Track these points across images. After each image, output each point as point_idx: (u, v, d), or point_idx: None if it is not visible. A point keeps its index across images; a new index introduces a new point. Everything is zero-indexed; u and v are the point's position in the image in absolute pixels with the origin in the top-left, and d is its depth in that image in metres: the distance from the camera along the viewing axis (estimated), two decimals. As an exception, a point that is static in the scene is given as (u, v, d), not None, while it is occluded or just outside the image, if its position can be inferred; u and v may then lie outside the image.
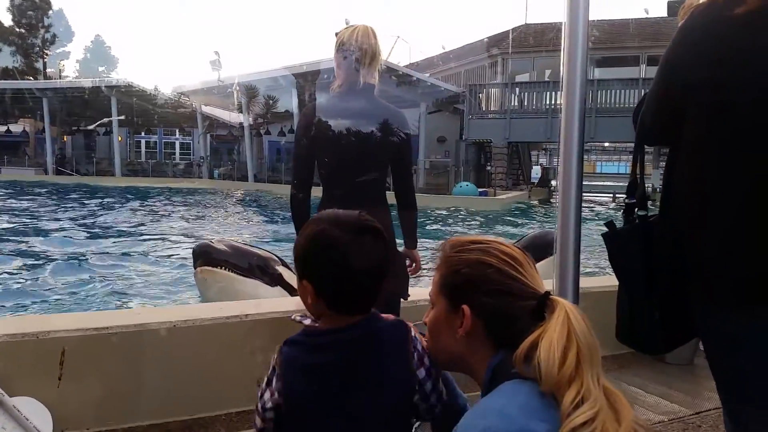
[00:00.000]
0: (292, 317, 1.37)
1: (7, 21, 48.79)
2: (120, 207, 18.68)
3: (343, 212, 1.29)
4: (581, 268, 1.72)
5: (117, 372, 2.73)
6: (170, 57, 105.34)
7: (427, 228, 13.52)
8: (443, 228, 14.39)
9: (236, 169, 33.19)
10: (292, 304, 3.25)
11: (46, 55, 50.49)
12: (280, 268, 4.98)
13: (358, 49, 2.46)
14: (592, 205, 21.79)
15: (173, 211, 17.53)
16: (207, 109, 35.53)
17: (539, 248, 5.22)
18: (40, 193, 24.09)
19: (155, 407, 2.77)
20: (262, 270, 4.80)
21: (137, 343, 2.76)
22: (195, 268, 4.71)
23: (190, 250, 9.48)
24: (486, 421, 0.97)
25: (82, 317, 2.92)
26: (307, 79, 24.40)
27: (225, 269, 4.64)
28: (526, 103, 25.41)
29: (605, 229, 1.59)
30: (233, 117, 35.80)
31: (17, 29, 48.89)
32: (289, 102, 28.09)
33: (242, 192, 27.15)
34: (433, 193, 21.75)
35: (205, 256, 4.66)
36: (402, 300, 2.70)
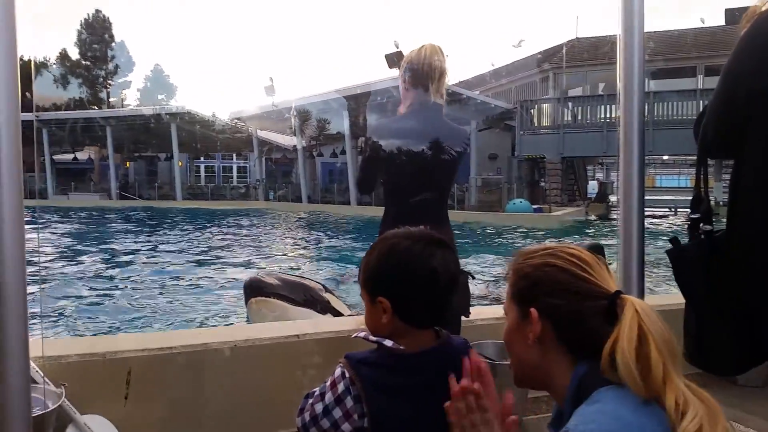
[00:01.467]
0: (356, 335, 1.36)
1: (74, 54, 51.55)
2: (181, 230, 19.25)
3: (412, 228, 1.30)
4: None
5: (180, 391, 2.80)
6: (226, 83, 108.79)
7: (481, 245, 13.33)
8: (500, 244, 14.19)
9: (291, 191, 33.81)
10: (347, 324, 3.27)
11: (110, 85, 53.00)
12: (327, 295, 5.07)
13: (427, 68, 2.47)
14: (651, 219, 21.13)
15: (233, 233, 17.92)
16: (263, 134, 36.46)
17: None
18: (108, 217, 25.15)
19: (216, 426, 2.82)
20: (311, 298, 4.92)
21: (200, 362, 2.83)
22: (247, 301, 4.81)
23: (252, 272, 9.83)
24: (599, 426, 0.94)
25: (147, 337, 3.02)
26: (358, 101, 24.75)
27: (277, 299, 4.73)
28: (579, 117, 24.98)
29: (667, 245, 1.54)
30: (287, 140, 36.61)
31: (83, 62, 51.58)
32: (341, 124, 28.57)
33: (302, 213, 27.64)
34: (486, 210, 21.57)
35: (256, 289, 4.77)
36: (462, 318, 2.68)
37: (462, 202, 24.14)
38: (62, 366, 2.61)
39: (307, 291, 5.01)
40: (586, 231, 18.93)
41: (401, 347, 1.28)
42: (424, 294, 1.24)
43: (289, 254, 13.34)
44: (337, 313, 5.06)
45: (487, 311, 3.13)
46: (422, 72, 2.50)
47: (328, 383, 1.30)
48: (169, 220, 23.42)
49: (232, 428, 2.83)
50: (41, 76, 46.18)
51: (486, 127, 28.21)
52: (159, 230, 18.68)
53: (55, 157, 38.68)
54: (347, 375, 1.27)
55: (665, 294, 5.84)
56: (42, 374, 2.54)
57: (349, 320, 3.64)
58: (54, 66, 49.82)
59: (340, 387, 1.26)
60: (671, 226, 19.71)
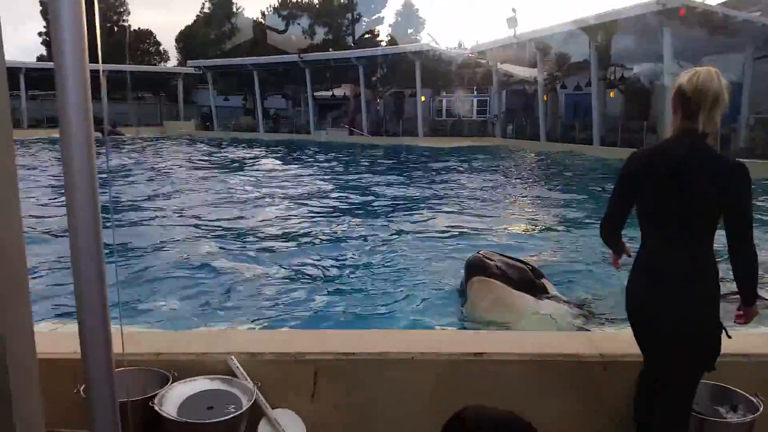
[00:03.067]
0: None
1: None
2: (411, 172, 19.55)
3: (493, 411, 1.12)
4: None
5: (361, 393, 2.93)
6: (469, 16, 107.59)
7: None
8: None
9: (529, 126, 32.73)
10: (535, 345, 3.07)
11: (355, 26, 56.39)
12: (543, 281, 4.82)
13: (696, 93, 2.30)
14: None
15: (458, 179, 17.80)
16: (504, 67, 35.61)
17: None
18: (357, 156, 27.10)
19: (392, 430, 2.91)
20: (529, 283, 4.75)
21: (378, 369, 2.92)
22: (469, 279, 4.81)
23: (466, 228, 9.74)
24: None
25: (334, 339, 3.19)
26: (605, 31, 22.64)
27: (500, 281, 4.66)
28: None
29: None
30: (529, 72, 35.23)
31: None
32: (586, 53, 26.51)
33: (534, 153, 26.69)
34: (757, 158, 18.41)
35: (479, 268, 4.73)
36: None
37: (727, 145, 20.91)
38: (257, 363, 2.89)
39: (526, 274, 4.88)
40: None
41: None
42: None
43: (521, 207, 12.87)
44: (554, 298, 4.88)
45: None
46: (689, 98, 2.34)
47: None
48: (406, 164, 24.08)
49: (407, 437, 2.90)
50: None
51: (764, 55, 23.72)
52: (393, 176, 18.95)
53: (315, 93, 42.68)
54: None
55: None
56: (242, 369, 2.87)
57: (544, 339, 3.44)
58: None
59: None
60: None
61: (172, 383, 2.77)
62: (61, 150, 1.12)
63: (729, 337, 2.40)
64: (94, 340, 1.07)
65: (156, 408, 2.59)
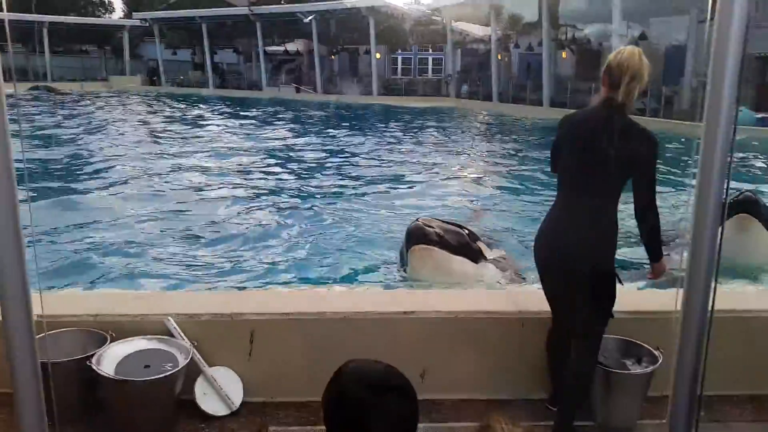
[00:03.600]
0: None
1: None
2: (365, 135, 19.16)
3: (370, 366, 1.26)
4: None
5: (297, 352, 3.07)
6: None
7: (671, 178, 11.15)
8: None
9: (483, 86, 32.85)
10: (462, 303, 3.26)
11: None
12: (479, 243, 5.01)
13: (618, 68, 2.54)
14: None
15: (409, 141, 17.82)
16: (460, 25, 35.39)
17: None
18: (310, 114, 26.68)
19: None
20: (466, 246, 4.91)
21: (312, 327, 3.06)
22: (410, 247, 4.93)
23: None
24: None
25: (270, 300, 3.31)
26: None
27: (439, 248, 4.80)
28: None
29: None
30: (484, 31, 35.13)
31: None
32: (535, 12, 26.62)
33: (485, 113, 26.82)
34: (694, 120, 18.97)
35: (419, 236, 4.85)
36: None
37: (670, 106, 21.54)
38: (194, 323, 2.99)
39: (463, 238, 5.04)
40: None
41: None
42: None
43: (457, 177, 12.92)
44: (491, 263, 5.07)
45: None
46: (613, 73, 2.58)
47: None
48: (361, 121, 23.91)
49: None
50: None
51: (712, 18, 24.28)
52: (348, 136, 18.91)
53: (267, 48, 41.63)
54: None
55: None
56: (179, 330, 2.96)
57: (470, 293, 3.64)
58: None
59: None
60: None
61: (109, 343, 2.85)
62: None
63: (621, 282, 2.66)
64: (13, 303, 1.15)
65: (93, 367, 2.67)
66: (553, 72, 28.06)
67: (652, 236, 2.69)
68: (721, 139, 1.16)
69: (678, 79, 22.24)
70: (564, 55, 31.41)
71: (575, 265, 2.61)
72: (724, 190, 1.21)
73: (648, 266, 2.82)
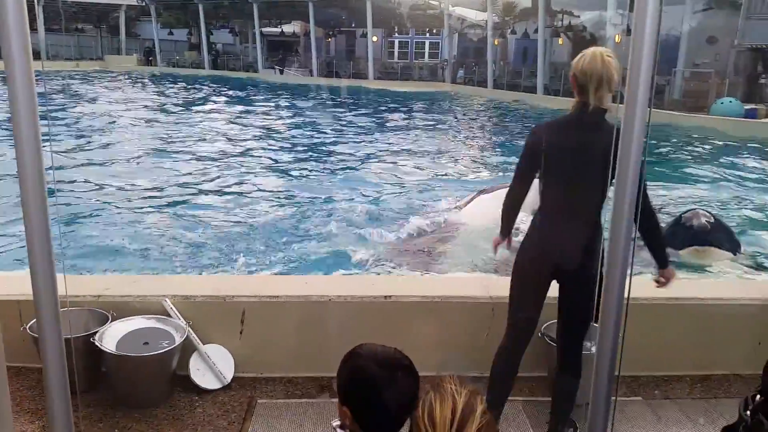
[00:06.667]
0: (333, 424, 1.58)
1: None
2: (361, 121, 19.33)
3: (382, 348, 1.50)
4: None
5: (284, 332, 3.32)
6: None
7: (656, 168, 11.37)
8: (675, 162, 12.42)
9: (479, 71, 32.86)
10: (437, 289, 3.51)
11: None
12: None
13: (582, 75, 2.49)
14: None
15: (400, 128, 17.92)
16: (456, 10, 35.32)
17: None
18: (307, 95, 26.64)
19: (312, 364, 3.33)
20: None
21: (299, 310, 3.31)
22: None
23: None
24: None
25: (260, 284, 3.55)
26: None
27: None
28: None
29: None
30: (481, 16, 35.08)
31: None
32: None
33: (482, 99, 26.85)
34: (685, 111, 19.20)
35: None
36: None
37: (661, 96, 21.67)
38: (190, 304, 3.24)
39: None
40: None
41: None
42: (380, 414, 1.46)
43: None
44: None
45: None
46: (581, 78, 2.51)
47: None
48: (356, 108, 23.93)
49: (325, 367, 3.31)
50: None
51: (706, 8, 24.38)
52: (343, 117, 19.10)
53: (264, 30, 41.38)
54: None
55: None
56: (175, 310, 3.21)
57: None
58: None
59: None
60: None
61: (111, 322, 3.10)
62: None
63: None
64: (44, 284, 1.37)
65: (97, 343, 2.93)
66: (549, 59, 28.09)
67: (654, 238, 2.59)
68: (638, 127, 1.23)
69: (670, 69, 22.36)
70: (561, 41, 31.39)
71: (570, 272, 2.56)
72: (637, 185, 1.31)
73: (647, 271, 2.75)
